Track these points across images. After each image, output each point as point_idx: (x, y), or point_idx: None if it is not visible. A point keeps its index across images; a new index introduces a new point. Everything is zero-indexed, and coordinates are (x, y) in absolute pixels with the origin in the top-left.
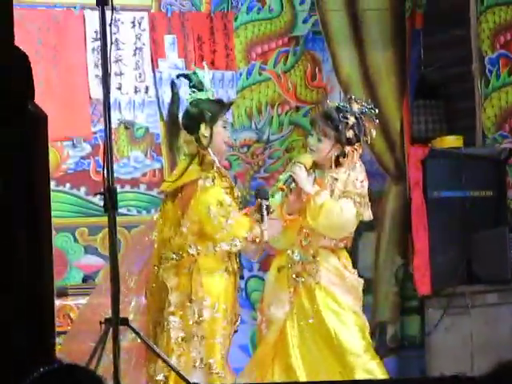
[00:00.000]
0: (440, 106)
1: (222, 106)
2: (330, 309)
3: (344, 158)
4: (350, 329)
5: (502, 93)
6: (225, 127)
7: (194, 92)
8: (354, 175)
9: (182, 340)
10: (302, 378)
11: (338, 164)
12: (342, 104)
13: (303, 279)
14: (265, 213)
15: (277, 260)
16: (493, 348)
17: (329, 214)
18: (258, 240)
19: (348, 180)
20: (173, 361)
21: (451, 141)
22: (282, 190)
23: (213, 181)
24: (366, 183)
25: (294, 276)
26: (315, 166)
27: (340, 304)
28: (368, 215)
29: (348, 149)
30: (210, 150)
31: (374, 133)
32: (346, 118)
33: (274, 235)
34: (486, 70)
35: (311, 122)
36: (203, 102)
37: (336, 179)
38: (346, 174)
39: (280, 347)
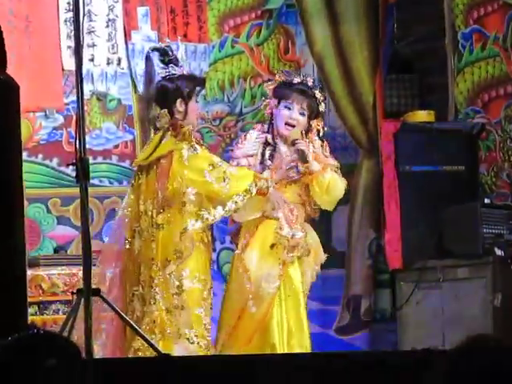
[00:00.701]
0: (413, 81)
1: (196, 81)
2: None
3: (310, 132)
4: None
5: (474, 68)
6: (197, 101)
7: (168, 67)
8: (319, 148)
9: (165, 311)
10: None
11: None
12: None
13: (294, 254)
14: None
15: (261, 237)
16: (463, 321)
17: (335, 188)
18: (265, 191)
19: (316, 152)
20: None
21: (423, 115)
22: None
23: (195, 149)
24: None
25: (286, 252)
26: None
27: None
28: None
29: (315, 122)
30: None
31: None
32: (317, 94)
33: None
34: (459, 45)
35: (288, 94)
36: (179, 78)
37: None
38: (318, 148)
39: (265, 323)
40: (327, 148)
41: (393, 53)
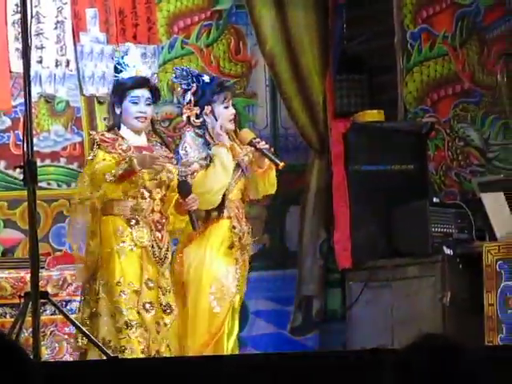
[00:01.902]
0: (363, 80)
1: (131, 81)
2: None
3: None
4: None
5: (423, 67)
6: (135, 103)
7: (116, 73)
8: None
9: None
10: None
11: None
12: None
13: (245, 251)
14: (194, 216)
15: (218, 235)
16: (413, 320)
17: (275, 182)
18: (124, 171)
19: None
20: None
21: (373, 115)
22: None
23: (94, 155)
24: None
25: (239, 250)
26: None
27: None
28: None
29: None
30: (123, 126)
31: None
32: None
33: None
34: (408, 45)
35: (234, 93)
36: (117, 82)
37: None
38: None
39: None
40: None
41: (342, 52)
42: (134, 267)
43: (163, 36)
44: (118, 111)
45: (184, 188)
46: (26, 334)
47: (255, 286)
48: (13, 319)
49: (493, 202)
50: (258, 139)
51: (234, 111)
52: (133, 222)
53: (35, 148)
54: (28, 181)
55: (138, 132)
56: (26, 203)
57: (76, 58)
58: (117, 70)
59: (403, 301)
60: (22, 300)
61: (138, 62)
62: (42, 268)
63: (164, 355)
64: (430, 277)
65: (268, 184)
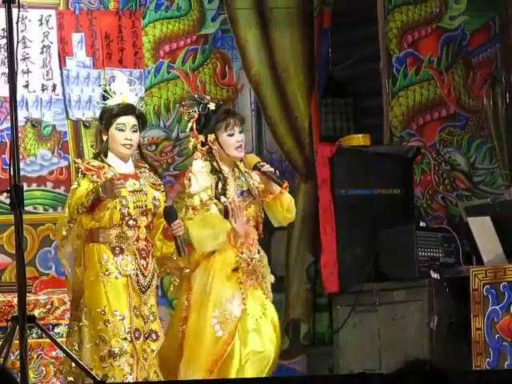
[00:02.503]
0: (348, 104)
1: (115, 108)
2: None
3: None
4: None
5: (409, 91)
6: (121, 130)
7: (103, 100)
8: None
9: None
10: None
11: None
12: None
13: (253, 277)
14: (179, 241)
15: (221, 261)
16: (400, 344)
17: (293, 206)
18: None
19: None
20: None
21: (359, 139)
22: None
23: (78, 183)
24: None
25: (246, 275)
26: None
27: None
28: None
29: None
30: (109, 153)
31: None
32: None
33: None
34: (394, 69)
35: (241, 120)
36: (104, 109)
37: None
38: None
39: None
40: None
41: (328, 77)
42: (120, 295)
43: (149, 60)
44: (104, 138)
45: (170, 213)
46: (13, 358)
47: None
48: (0, 343)
49: (480, 226)
50: (262, 163)
51: (240, 138)
52: (117, 250)
53: (22, 172)
54: (15, 205)
55: (124, 159)
56: (12, 227)
57: (62, 83)
58: (104, 98)
59: (390, 325)
60: (10, 324)
61: (124, 88)
62: (29, 292)
63: (153, 380)
64: (417, 301)
65: (283, 210)
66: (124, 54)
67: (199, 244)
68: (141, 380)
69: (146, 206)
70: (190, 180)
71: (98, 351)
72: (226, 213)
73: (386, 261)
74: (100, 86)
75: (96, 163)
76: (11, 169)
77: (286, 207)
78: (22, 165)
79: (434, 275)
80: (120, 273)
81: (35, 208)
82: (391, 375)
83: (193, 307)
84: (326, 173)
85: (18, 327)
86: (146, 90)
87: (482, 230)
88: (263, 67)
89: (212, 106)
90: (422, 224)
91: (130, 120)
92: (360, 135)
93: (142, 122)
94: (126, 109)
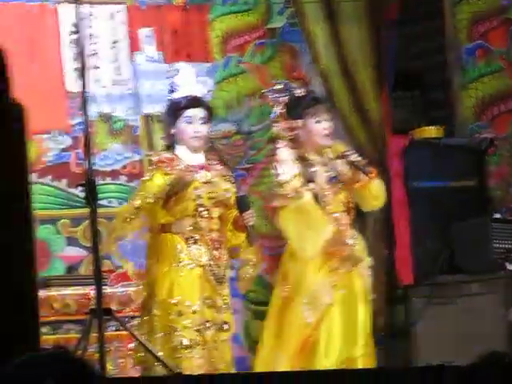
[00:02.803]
0: (417, 97)
1: (184, 101)
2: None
3: None
4: None
5: (479, 83)
6: (190, 122)
7: (170, 93)
8: None
9: None
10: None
11: None
12: None
13: (347, 263)
14: (250, 231)
15: None
16: (477, 337)
17: (382, 192)
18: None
19: None
20: None
21: (431, 131)
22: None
23: (150, 176)
24: None
25: (340, 262)
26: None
27: None
28: None
29: None
30: (178, 146)
31: None
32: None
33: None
34: (463, 61)
35: (308, 108)
36: (171, 102)
37: None
38: None
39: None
40: None
41: (396, 70)
42: (192, 286)
43: (217, 55)
44: (173, 131)
45: (243, 203)
46: (92, 350)
47: None
48: (78, 335)
49: None
50: (350, 151)
51: (328, 126)
52: (191, 240)
53: (95, 167)
54: (89, 199)
55: (195, 151)
56: (87, 221)
57: (132, 78)
58: (170, 91)
59: (466, 317)
60: (87, 316)
61: (190, 81)
62: (106, 285)
63: (222, 371)
64: (493, 293)
65: (371, 197)
66: (192, 49)
67: (299, 247)
68: (211, 370)
69: (218, 197)
70: (276, 169)
71: (168, 341)
72: (315, 200)
73: (460, 253)
74: (168, 79)
75: (167, 155)
76: (85, 164)
77: (374, 194)
78: (95, 159)
79: (510, 267)
80: (194, 263)
81: (110, 201)
82: (469, 367)
83: (288, 296)
84: (399, 165)
85: (95, 320)
86: (215, 84)
87: None
88: (332, 60)
89: (301, 92)
90: (496, 216)
91: (197, 112)
92: (432, 127)
93: (210, 115)
94: (194, 101)
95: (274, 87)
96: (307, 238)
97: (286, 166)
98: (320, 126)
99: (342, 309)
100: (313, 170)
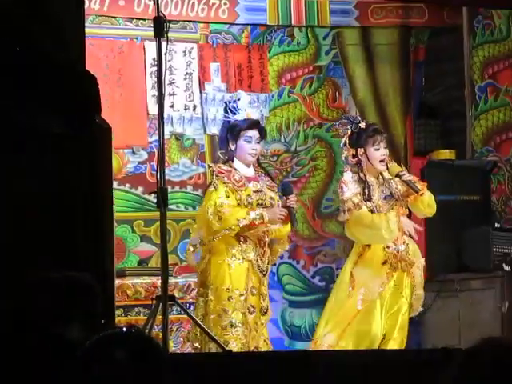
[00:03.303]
0: (437, 125)
1: (244, 123)
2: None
3: None
4: None
5: (488, 115)
6: (249, 142)
7: (230, 115)
8: None
9: None
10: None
11: None
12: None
13: (400, 266)
14: (293, 213)
15: (370, 256)
16: (477, 326)
17: (434, 203)
18: (257, 222)
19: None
20: None
21: (446, 154)
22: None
23: (214, 187)
24: None
25: (393, 266)
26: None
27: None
28: None
29: None
30: (236, 160)
31: None
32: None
33: (276, 217)
34: (476, 96)
35: (368, 138)
36: (232, 123)
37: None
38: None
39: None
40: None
41: (421, 101)
42: (241, 277)
43: (273, 86)
44: (232, 147)
45: (286, 187)
46: (157, 330)
47: None
48: (146, 318)
49: None
50: (403, 172)
51: (384, 152)
52: (242, 239)
53: (167, 177)
54: (160, 204)
55: (248, 165)
56: (158, 222)
57: (201, 104)
58: (229, 112)
59: (468, 309)
60: (154, 302)
61: (247, 106)
62: (171, 276)
63: (262, 349)
64: (491, 289)
65: (423, 206)
66: (252, 81)
67: (369, 240)
68: (252, 348)
69: (265, 204)
70: (342, 189)
71: (220, 322)
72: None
73: (466, 255)
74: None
75: (225, 167)
76: (158, 174)
77: (426, 205)
78: (167, 171)
79: (506, 268)
80: (243, 258)
81: (178, 207)
82: (470, 349)
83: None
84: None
85: (160, 305)
86: (270, 111)
87: None
88: (367, 93)
89: (363, 125)
90: (496, 225)
91: (255, 133)
92: (447, 151)
93: (263, 135)
94: (253, 124)
95: (342, 120)
96: (371, 236)
97: (350, 185)
98: (378, 152)
99: (386, 301)
100: (370, 190)
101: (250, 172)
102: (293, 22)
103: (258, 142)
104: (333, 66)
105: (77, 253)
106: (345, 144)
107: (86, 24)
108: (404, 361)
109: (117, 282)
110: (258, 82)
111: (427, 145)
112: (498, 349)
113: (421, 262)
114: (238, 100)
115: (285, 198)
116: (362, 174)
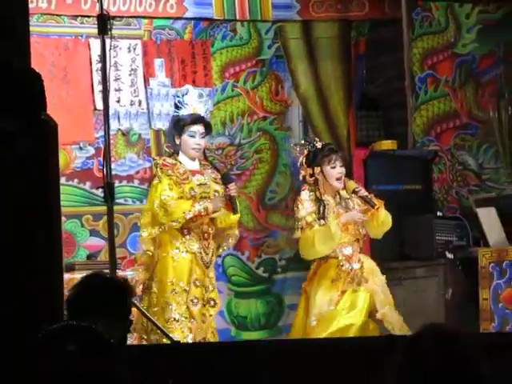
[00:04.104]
0: (379, 116)
1: (188, 118)
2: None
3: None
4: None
5: (429, 105)
6: (192, 136)
7: (176, 109)
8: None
9: None
10: None
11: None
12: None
13: (353, 283)
14: (234, 201)
15: (324, 274)
16: (421, 313)
17: (388, 221)
18: (202, 214)
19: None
20: None
21: (388, 144)
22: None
23: (159, 179)
24: None
25: (346, 283)
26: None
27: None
28: None
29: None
30: (181, 153)
31: None
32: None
33: (218, 206)
34: (416, 87)
35: (324, 157)
36: (176, 117)
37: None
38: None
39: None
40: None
41: (362, 93)
42: (185, 269)
43: (217, 80)
44: (177, 142)
45: (227, 177)
46: None
47: (292, 284)
48: None
49: (486, 215)
50: (358, 188)
51: (341, 171)
52: (185, 231)
53: (114, 172)
54: (108, 198)
55: (193, 159)
56: (106, 216)
57: (146, 99)
58: (177, 107)
59: (413, 296)
60: None
61: (194, 101)
62: (119, 269)
63: (210, 340)
64: (435, 276)
65: (377, 223)
66: (196, 76)
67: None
68: (198, 339)
69: (209, 197)
70: (297, 207)
71: (164, 314)
72: None
73: (409, 244)
74: (176, 97)
75: (170, 160)
76: (105, 169)
77: (380, 222)
78: (114, 166)
79: (449, 255)
80: (187, 250)
81: (126, 200)
82: (413, 336)
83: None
84: (361, 172)
85: None
86: (214, 105)
87: (489, 218)
88: (310, 86)
89: (319, 144)
90: (439, 214)
91: (199, 128)
92: (389, 141)
93: (208, 130)
94: (197, 119)
95: (298, 142)
96: (319, 252)
97: (306, 204)
98: (334, 170)
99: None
100: (325, 208)
101: (195, 165)
102: (237, 17)
103: (203, 137)
104: (275, 59)
105: (28, 247)
106: (301, 164)
107: (31, 22)
108: (349, 349)
109: (66, 276)
110: (201, 76)
111: (369, 136)
112: (440, 336)
113: (380, 279)
114: (186, 94)
115: (225, 187)
116: (318, 193)
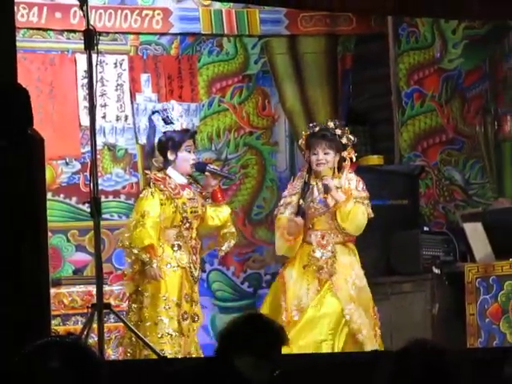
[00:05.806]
0: (365, 131)
1: (185, 134)
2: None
3: (344, 162)
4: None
5: (415, 120)
6: (189, 151)
7: (166, 124)
8: (354, 183)
9: None
10: None
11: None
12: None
13: (322, 273)
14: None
15: (298, 258)
16: (408, 327)
17: (356, 217)
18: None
19: (350, 187)
20: None
21: (374, 159)
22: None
23: (151, 194)
24: (364, 187)
25: (317, 271)
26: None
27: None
28: (371, 212)
29: (346, 153)
30: (172, 169)
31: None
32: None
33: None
34: (403, 102)
35: (313, 142)
36: (170, 133)
37: (339, 187)
38: (346, 182)
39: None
40: (360, 183)
41: (349, 108)
42: (176, 284)
43: (203, 96)
44: (171, 157)
45: (199, 166)
46: (95, 339)
47: None
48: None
49: (473, 230)
50: (326, 176)
51: (321, 157)
52: (176, 247)
53: (100, 187)
54: (94, 214)
55: (184, 173)
56: (92, 231)
57: (133, 114)
58: (166, 122)
59: (399, 311)
60: (90, 310)
61: (179, 116)
62: (106, 284)
63: (194, 355)
64: (422, 292)
65: (340, 217)
66: (183, 91)
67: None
68: (184, 354)
69: (197, 212)
70: (290, 183)
71: (156, 329)
72: (302, 213)
73: (396, 259)
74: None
75: (160, 175)
76: (91, 184)
77: (345, 216)
78: (100, 181)
79: (436, 270)
80: (178, 265)
81: (112, 216)
82: (398, 352)
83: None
84: None
85: (96, 313)
86: (200, 120)
87: (475, 233)
88: (296, 101)
89: (317, 129)
90: (425, 228)
91: (191, 143)
92: (375, 156)
93: (195, 144)
94: (191, 134)
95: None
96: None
97: (294, 183)
98: (314, 157)
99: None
100: (308, 190)
101: (184, 180)
102: (225, 31)
103: (192, 152)
104: (262, 75)
105: (14, 262)
106: (300, 145)
107: (18, 38)
108: (334, 363)
109: (53, 291)
110: (188, 92)
111: (356, 151)
112: (426, 351)
113: (350, 276)
114: (173, 110)
115: (204, 175)
116: (306, 176)
